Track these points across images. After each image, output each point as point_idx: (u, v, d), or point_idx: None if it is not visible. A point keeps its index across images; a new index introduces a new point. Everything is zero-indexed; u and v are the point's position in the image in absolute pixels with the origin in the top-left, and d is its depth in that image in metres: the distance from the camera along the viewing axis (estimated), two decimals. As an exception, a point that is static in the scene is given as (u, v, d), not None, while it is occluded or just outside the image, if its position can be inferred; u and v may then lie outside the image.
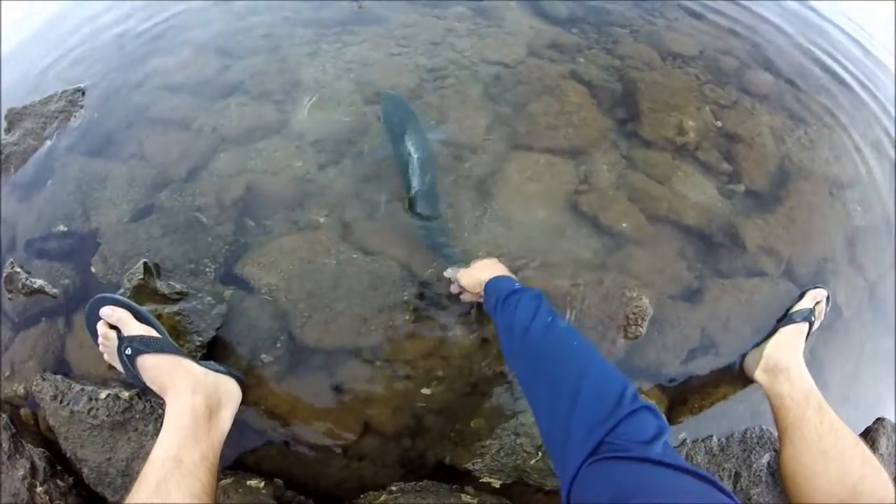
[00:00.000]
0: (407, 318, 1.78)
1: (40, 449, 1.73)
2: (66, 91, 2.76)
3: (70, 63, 3.03)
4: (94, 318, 1.60)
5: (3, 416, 1.80)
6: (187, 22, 3.06)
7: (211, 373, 1.51)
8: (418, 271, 1.88)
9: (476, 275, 1.58)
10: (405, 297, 1.82)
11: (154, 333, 1.57)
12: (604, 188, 2.12)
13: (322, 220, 2.02)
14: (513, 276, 1.55)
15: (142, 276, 1.82)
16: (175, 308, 1.80)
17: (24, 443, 1.74)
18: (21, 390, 1.93)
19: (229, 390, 1.52)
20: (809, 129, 2.49)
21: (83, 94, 2.73)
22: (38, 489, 1.61)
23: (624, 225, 2.01)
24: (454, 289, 1.72)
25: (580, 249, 1.95)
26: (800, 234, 2.12)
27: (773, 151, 2.35)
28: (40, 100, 2.74)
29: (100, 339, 1.57)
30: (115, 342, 1.53)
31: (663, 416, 0.97)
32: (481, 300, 1.55)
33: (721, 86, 2.60)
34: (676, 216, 2.06)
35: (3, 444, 1.69)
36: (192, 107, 2.48)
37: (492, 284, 1.48)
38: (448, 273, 1.73)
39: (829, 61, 2.95)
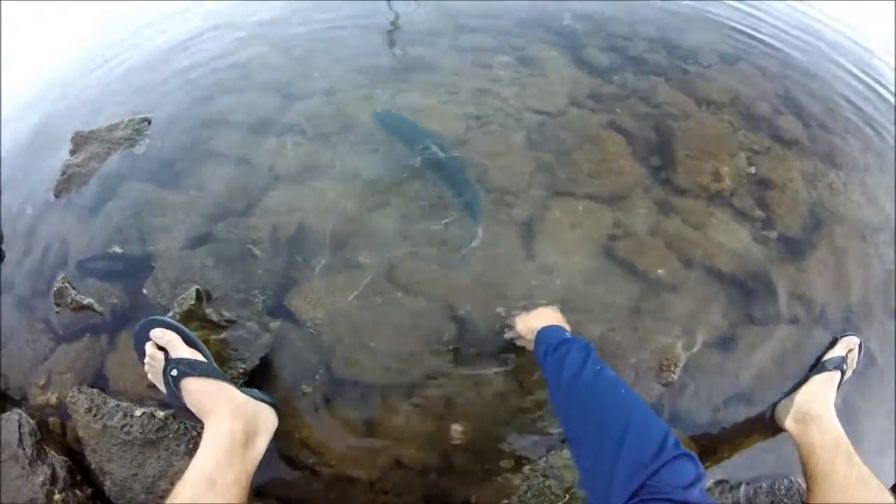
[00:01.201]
0: (445, 357, 1.80)
1: (63, 458, 1.75)
2: (132, 119, 2.82)
3: (136, 92, 3.12)
4: (143, 338, 1.63)
5: (31, 421, 1.82)
6: (249, 62, 3.13)
7: (251, 400, 1.53)
8: (460, 312, 1.89)
9: (531, 322, 1.58)
10: (445, 337, 1.84)
11: (200, 358, 1.59)
12: (640, 234, 2.12)
13: (367, 259, 2.04)
14: (566, 325, 1.58)
15: (193, 302, 1.86)
16: (222, 335, 1.84)
17: (47, 450, 1.75)
18: (54, 400, 1.95)
19: (267, 418, 1.53)
20: (840, 173, 2.48)
21: (149, 123, 2.79)
22: (57, 496, 1.62)
23: (660, 271, 2.01)
24: (509, 334, 1.73)
25: (616, 295, 1.95)
26: (832, 280, 2.09)
27: (805, 197, 2.34)
28: (107, 126, 2.80)
29: (147, 359, 1.60)
30: (162, 363, 1.56)
31: (701, 463, 0.99)
32: (531, 347, 1.56)
33: (754, 131, 2.59)
34: (711, 262, 2.06)
35: (27, 450, 1.71)
36: (252, 144, 2.53)
37: (544, 333, 1.49)
38: (509, 321, 1.75)
39: (860, 103, 2.95)
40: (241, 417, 1.43)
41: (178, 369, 1.51)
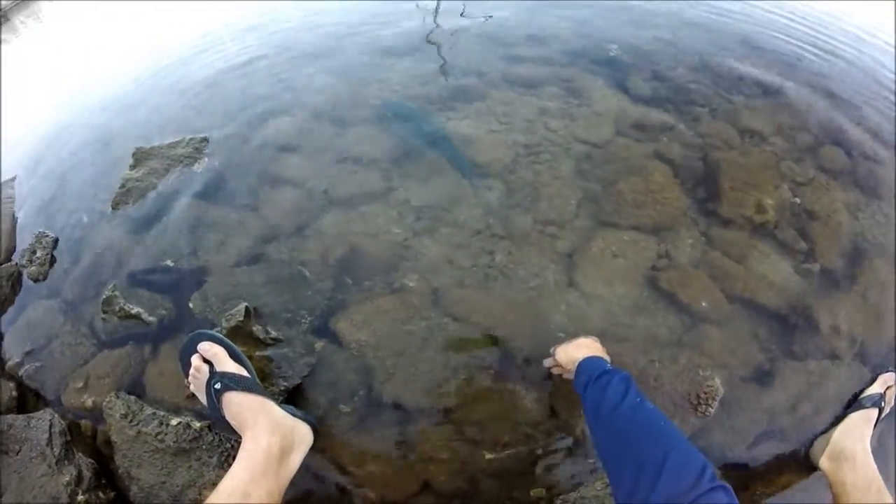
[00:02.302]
0: (484, 382, 1.80)
1: (90, 460, 1.77)
2: (193, 138, 2.89)
3: (194, 111, 3.20)
4: (190, 350, 1.66)
5: (62, 422, 1.85)
6: (307, 87, 3.20)
7: (289, 416, 1.54)
8: (501, 339, 1.90)
9: (572, 353, 1.57)
10: (485, 363, 1.84)
11: (244, 373, 1.61)
12: (684, 266, 2.11)
13: (413, 284, 2.06)
14: (605, 356, 1.56)
15: (241, 319, 1.89)
16: (266, 352, 1.86)
17: (75, 451, 1.78)
18: (89, 403, 1.97)
19: (303, 435, 1.54)
20: (883, 204, 2.43)
21: (207, 142, 2.85)
22: (80, 497, 1.63)
23: (703, 304, 1.99)
24: (548, 363, 1.72)
25: (658, 326, 1.93)
26: (873, 315, 2.04)
27: (849, 228, 2.29)
28: (168, 143, 2.88)
29: (192, 370, 1.62)
30: (207, 375, 1.58)
31: (735, 497, 0.99)
32: (571, 376, 1.55)
33: (797, 162, 2.55)
34: (752, 295, 2.02)
35: (55, 449, 1.73)
36: (306, 168, 2.57)
37: (585, 364, 1.48)
38: (550, 350, 1.71)
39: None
40: (279, 433, 1.44)
41: (221, 382, 1.53)
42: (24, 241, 2.74)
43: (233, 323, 1.90)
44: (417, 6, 4.19)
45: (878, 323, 2.04)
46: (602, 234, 2.22)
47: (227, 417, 1.52)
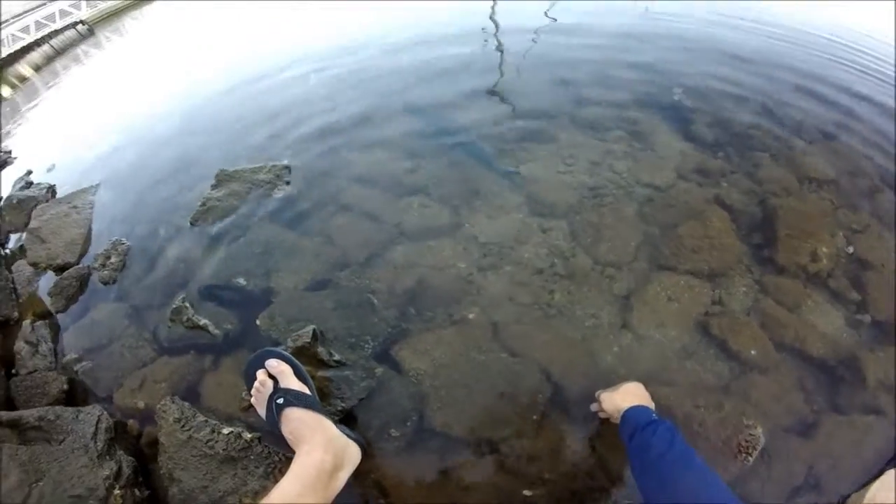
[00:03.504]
0: (533, 418, 1.81)
1: (131, 458, 1.80)
2: (275, 165, 2.99)
3: (280, 140, 3.31)
4: (257, 365, 1.71)
5: (110, 419, 1.88)
6: (384, 122, 3.30)
7: (342, 436, 1.56)
8: (554, 376, 1.91)
9: (618, 401, 1.55)
10: (537, 399, 1.85)
11: (306, 391, 1.66)
12: (736, 313, 2.09)
13: (474, 317, 2.10)
14: (651, 403, 1.55)
15: (308, 340, 1.94)
16: (328, 374, 1.90)
17: (117, 448, 1.80)
18: (141, 404, 2.02)
19: (352, 455, 1.55)
20: (939, 254, 2.32)
21: (289, 171, 2.95)
22: (116, 491, 1.65)
23: (752, 352, 1.96)
24: (594, 407, 1.70)
25: (706, 372, 1.92)
26: None
27: None
28: (251, 168, 2.99)
29: (257, 384, 1.66)
30: (270, 390, 1.62)
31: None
32: (616, 421, 1.55)
33: (854, 210, 2.51)
34: (802, 345, 1.99)
35: (98, 444, 1.75)
36: (380, 201, 2.64)
37: (631, 413, 1.46)
38: (597, 394, 1.71)
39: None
40: (332, 450, 1.46)
41: (285, 398, 1.57)
42: (97, 247, 2.84)
43: (299, 343, 1.95)
44: (502, 53, 4.26)
45: None
46: (658, 278, 2.22)
47: (284, 431, 1.54)
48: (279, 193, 2.84)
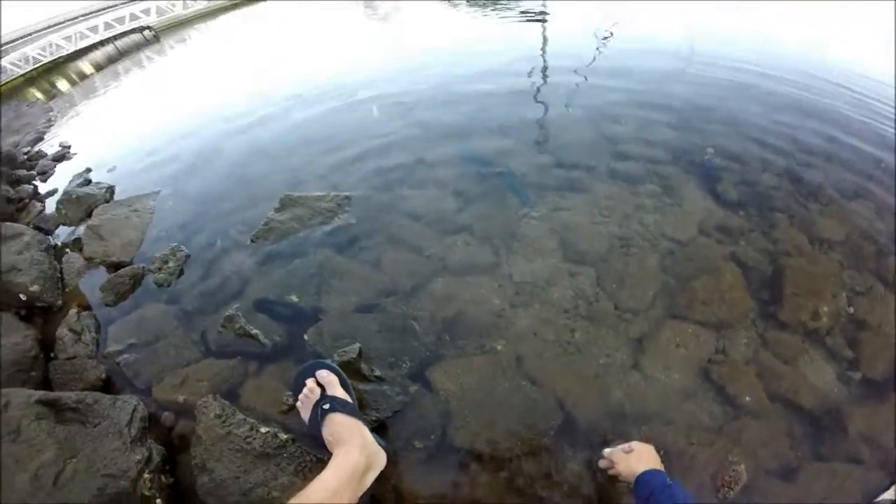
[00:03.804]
0: (543, 442, 1.95)
1: (161, 447, 1.94)
2: (337, 195, 3.25)
3: (343, 172, 3.64)
4: (306, 374, 1.94)
5: (145, 410, 2.02)
6: (435, 163, 3.59)
7: (375, 442, 1.74)
8: (569, 407, 2.07)
9: (633, 465, 1.61)
10: (549, 425, 2.01)
11: (349, 399, 1.87)
12: (736, 362, 2.24)
13: (501, 348, 2.31)
14: (661, 467, 1.62)
15: (354, 357, 2.19)
16: (367, 387, 2.11)
17: (148, 436, 1.94)
18: (180, 399, 2.19)
19: (380, 460, 1.72)
20: (936, 320, 2.43)
21: (349, 201, 3.22)
22: (146, 475, 1.76)
23: (747, 398, 2.11)
24: (603, 464, 1.77)
25: (702, 412, 2.08)
26: None
27: None
28: (315, 195, 3.26)
29: (305, 390, 1.88)
30: (318, 396, 1.84)
31: None
32: (626, 480, 1.64)
33: (859, 271, 2.62)
34: (793, 396, 2.13)
35: (132, 431, 1.87)
36: (428, 236, 2.91)
37: (646, 478, 1.54)
38: (606, 452, 1.78)
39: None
40: (366, 453, 1.64)
41: (331, 404, 1.78)
42: (152, 251, 3.13)
43: (345, 358, 2.17)
44: (546, 108, 4.52)
45: None
46: (670, 325, 2.40)
47: (325, 433, 1.73)
48: (338, 221, 3.12)
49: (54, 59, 13.91)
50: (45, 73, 13.33)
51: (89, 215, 3.82)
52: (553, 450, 1.94)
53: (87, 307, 2.82)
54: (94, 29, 14.79)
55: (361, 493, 1.58)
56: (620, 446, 1.73)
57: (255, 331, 2.41)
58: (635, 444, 1.70)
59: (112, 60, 12.79)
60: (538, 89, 4.81)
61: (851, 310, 2.46)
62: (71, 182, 4.56)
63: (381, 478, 1.72)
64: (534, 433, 1.98)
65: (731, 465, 1.92)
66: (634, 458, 1.64)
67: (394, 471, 1.83)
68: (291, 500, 1.37)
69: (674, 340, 2.33)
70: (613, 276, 2.61)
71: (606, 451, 1.77)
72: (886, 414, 2.11)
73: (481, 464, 1.90)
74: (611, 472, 1.72)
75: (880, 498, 1.85)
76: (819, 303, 2.46)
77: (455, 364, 2.22)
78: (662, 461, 1.79)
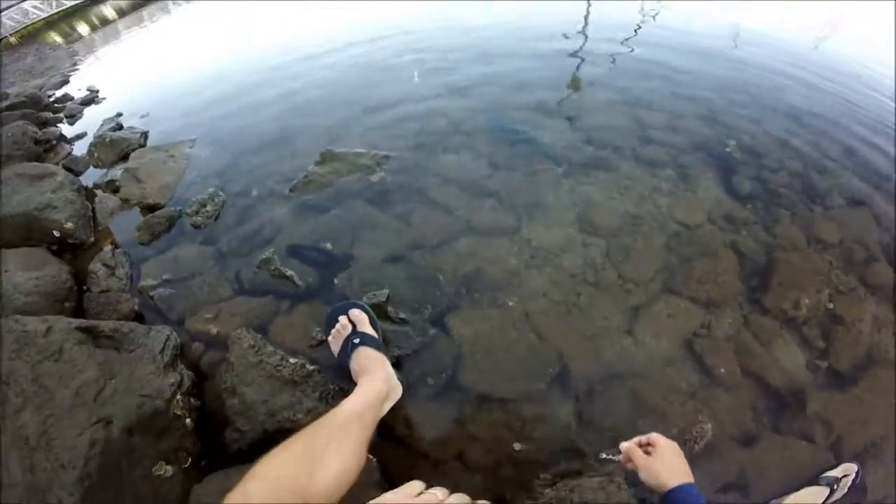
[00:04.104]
0: (539, 387, 2.12)
1: (191, 373, 2.05)
2: (377, 153, 3.41)
3: (376, 130, 3.83)
4: (340, 311, 2.07)
5: (177, 339, 2.13)
6: (473, 131, 3.76)
7: (394, 375, 1.87)
8: (566, 360, 2.22)
9: (658, 472, 1.42)
10: (547, 372, 2.16)
11: (376, 336, 2.00)
12: (718, 338, 2.41)
13: (512, 304, 2.50)
14: (690, 475, 1.43)
15: (383, 300, 2.36)
16: (392, 328, 2.26)
17: (179, 362, 2.04)
18: (213, 331, 2.29)
19: (397, 391, 1.85)
20: (908, 324, 2.57)
21: (388, 160, 3.38)
22: (178, 396, 1.87)
23: (721, 370, 2.29)
24: (618, 458, 1.60)
25: (680, 378, 2.21)
26: (860, 416, 2.17)
27: (867, 339, 2.45)
28: (353, 153, 3.42)
29: (339, 325, 1.99)
30: (349, 331, 1.95)
31: None
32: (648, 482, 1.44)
33: (846, 273, 2.76)
34: (763, 373, 2.26)
35: (165, 357, 1.98)
36: (458, 198, 3.10)
37: (679, 494, 1.34)
38: (623, 447, 1.58)
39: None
40: (388, 384, 1.75)
41: (361, 338, 1.89)
42: (189, 195, 3.29)
43: (374, 301, 2.32)
44: (581, 85, 4.69)
45: (862, 424, 2.17)
46: (665, 298, 2.59)
47: (353, 364, 1.83)
48: (375, 178, 3.30)
49: (77, 3, 13.76)
50: (65, 17, 13.11)
51: (122, 159, 3.91)
52: (547, 395, 2.09)
53: (119, 245, 2.95)
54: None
55: (380, 418, 1.67)
56: (637, 439, 1.56)
57: (289, 272, 2.54)
58: (656, 439, 1.53)
59: (137, 6, 12.57)
60: (578, 66, 4.95)
61: (831, 305, 2.62)
62: (102, 126, 4.67)
63: (394, 408, 1.83)
64: (533, 379, 2.13)
65: (700, 423, 2.09)
66: (658, 463, 1.44)
67: (405, 403, 1.95)
68: (324, 416, 1.45)
69: (666, 312, 2.52)
70: (621, 250, 2.74)
71: (623, 445, 1.57)
72: (847, 403, 2.26)
73: (483, 402, 2.06)
74: (628, 466, 1.54)
75: (826, 474, 1.99)
76: (801, 295, 2.62)
77: (471, 314, 2.37)
78: (640, 411, 2.04)
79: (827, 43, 5.78)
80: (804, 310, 2.58)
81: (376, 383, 1.72)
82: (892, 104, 4.49)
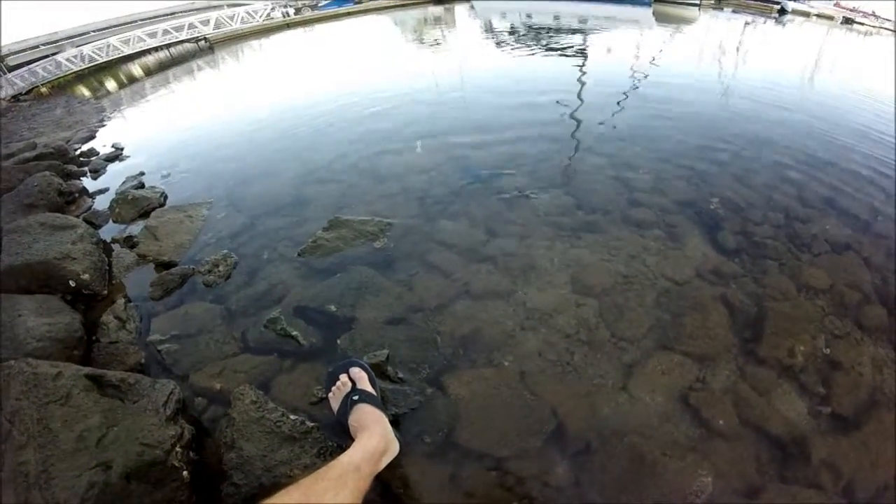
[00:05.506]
0: (536, 445, 2.02)
1: (191, 427, 2.00)
2: (381, 221, 3.39)
3: (389, 201, 3.80)
4: (340, 370, 2.06)
5: (182, 393, 2.10)
6: (470, 197, 3.74)
7: (392, 431, 1.85)
8: (560, 418, 2.13)
9: None
10: (542, 430, 2.08)
11: (375, 393, 1.99)
12: (714, 390, 2.28)
13: (508, 364, 2.40)
14: None
15: (383, 359, 2.32)
16: (390, 386, 2.21)
17: (181, 415, 2.01)
18: (217, 386, 2.26)
19: (395, 447, 1.81)
20: (910, 364, 2.41)
21: (391, 227, 3.36)
22: (178, 449, 1.82)
23: (720, 422, 2.15)
24: None
25: (679, 433, 2.13)
26: (868, 459, 2.02)
27: (869, 381, 2.33)
28: (358, 220, 3.40)
29: (339, 383, 1.99)
30: (349, 389, 1.95)
31: None
32: None
33: (840, 318, 2.63)
34: (764, 423, 2.15)
35: (168, 410, 1.93)
36: (456, 263, 3.04)
37: None
38: None
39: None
40: (385, 440, 1.74)
41: (360, 396, 1.89)
42: (202, 254, 3.28)
43: (375, 360, 2.29)
44: (576, 147, 4.73)
45: (871, 468, 2.05)
46: (659, 354, 2.46)
47: (352, 420, 1.82)
48: (379, 244, 3.27)
49: (108, 60, 14.10)
50: (95, 72, 13.40)
51: (143, 216, 3.97)
52: (542, 452, 2.00)
53: (132, 299, 2.92)
54: (152, 34, 15.06)
55: (376, 473, 1.65)
56: None
57: (294, 332, 2.52)
58: None
59: (163, 67, 12.88)
60: (573, 134, 5.04)
61: (828, 351, 2.47)
62: (125, 183, 4.74)
63: (391, 466, 1.80)
64: (528, 437, 2.04)
65: (699, 476, 1.95)
66: None
67: (402, 460, 1.90)
68: (322, 467, 1.45)
69: (660, 368, 2.38)
70: (614, 309, 2.68)
71: None
72: (853, 447, 2.10)
73: (479, 461, 1.97)
74: None
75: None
76: (796, 343, 2.48)
77: (467, 374, 2.30)
78: (638, 468, 1.90)
79: (805, 87, 5.75)
80: (800, 357, 2.43)
81: (374, 438, 1.70)
82: (867, 145, 4.60)
